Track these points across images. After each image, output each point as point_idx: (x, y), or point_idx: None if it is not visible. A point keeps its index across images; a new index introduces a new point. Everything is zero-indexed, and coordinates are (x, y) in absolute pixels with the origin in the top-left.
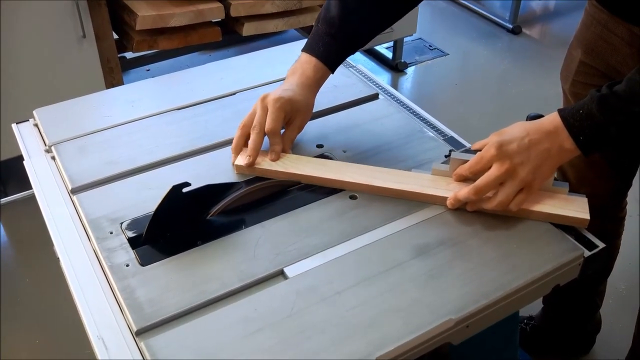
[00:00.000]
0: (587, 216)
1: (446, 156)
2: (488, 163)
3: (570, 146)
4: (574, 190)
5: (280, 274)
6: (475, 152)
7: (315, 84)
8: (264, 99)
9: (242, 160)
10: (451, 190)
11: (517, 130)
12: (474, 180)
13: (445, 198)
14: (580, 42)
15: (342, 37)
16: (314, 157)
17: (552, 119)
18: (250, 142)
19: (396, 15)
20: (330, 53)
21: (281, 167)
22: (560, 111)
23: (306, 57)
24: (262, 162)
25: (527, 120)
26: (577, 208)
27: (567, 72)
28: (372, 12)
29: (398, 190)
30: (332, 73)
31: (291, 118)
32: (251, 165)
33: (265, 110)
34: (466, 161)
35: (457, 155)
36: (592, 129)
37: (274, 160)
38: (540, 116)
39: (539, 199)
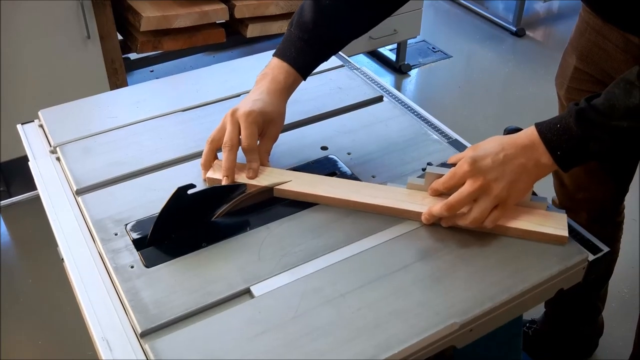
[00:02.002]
0: (565, 233)
1: (423, 169)
2: (461, 179)
3: (547, 161)
4: (571, 196)
5: (247, 292)
6: (451, 166)
7: (286, 90)
8: (233, 113)
9: (216, 175)
10: (426, 205)
11: (492, 145)
12: (450, 195)
13: (420, 213)
14: (574, 48)
15: (315, 43)
16: (316, 158)
17: (528, 133)
18: (224, 162)
19: (373, 21)
20: (302, 59)
21: (255, 181)
22: (537, 125)
23: (277, 62)
24: (237, 177)
25: (504, 133)
26: (555, 225)
27: (562, 78)
28: (347, 17)
29: (373, 205)
30: (304, 80)
31: (264, 129)
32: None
33: (236, 125)
34: (441, 175)
35: (432, 169)
36: (570, 144)
37: (252, 178)
38: (519, 129)
39: (516, 215)
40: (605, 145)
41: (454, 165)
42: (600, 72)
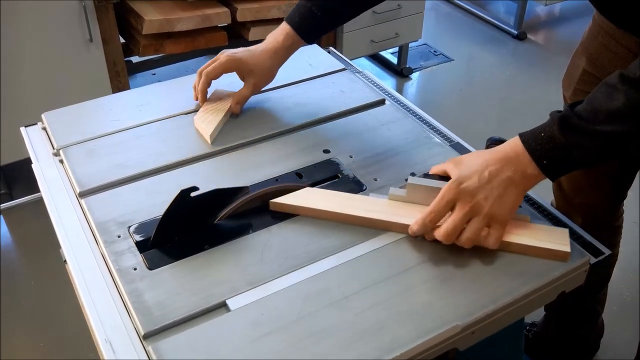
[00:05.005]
0: (567, 249)
1: (406, 180)
2: (449, 203)
3: (534, 171)
4: (569, 200)
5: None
6: (434, 177)
7: (282, 50)
8: (223, 52)
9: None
10: (408, 216)
11: (476, 162)
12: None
13: (402, 225)
14: (585, 50)
15: (318, 10)
16: (318, 161)
17: (512, 145)
18: (194, 82)
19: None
20: (304, 23)
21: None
22: (521, 135)
23: (283, 25)
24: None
25: (487, 143)
26: (558, 240)
27: (570, 79)
28: None
29: (353, 216)
30: (308, 43)
31: (245, 77)
32: (199, 100)
33: (216, 60)
34: (423, 187)
35: (414, 180)
36: (555, 152)
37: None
38: (502, 140)
39: (517, 230)
40: (591, 151)
41: (436, 176)
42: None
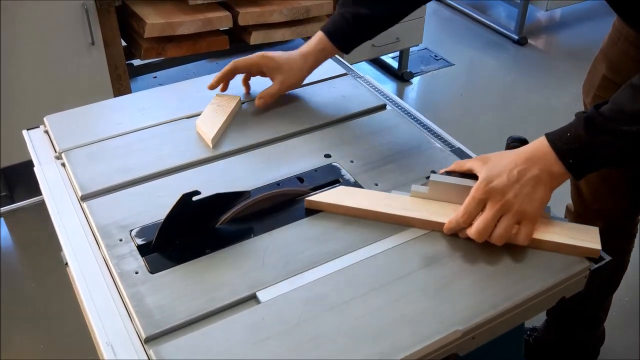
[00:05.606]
0: (598, 246)
1: (427, 178)
2: (481, 203)
3: (560, 170)
4: (587, 205)
5: (252, 298)
6: (456, 174)
7: (313, 54)
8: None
9: (200, 124)
10: (431, 213)
11: (504, 161)
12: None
13: (427, 222)
14: (605, 57)
15: (350, 16)
16: (319, 166)
17: (539, 145)
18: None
19: (407, 10)
20: (336, 29)
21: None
22: (547, 135)
23: (318, 31)
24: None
25: (507, 142)
26: (588, 238)
27: (590, 85)
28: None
29: (377, 212)
30: (343, 50)
31: (273, 75)
32: (211, 87)
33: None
34: (445, 184)
35: (436, 177)
36: (581, 151)
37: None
38: (523, 139)
39: (548, 228)
40: (615, 151)
41: (457, 173)
42: None
